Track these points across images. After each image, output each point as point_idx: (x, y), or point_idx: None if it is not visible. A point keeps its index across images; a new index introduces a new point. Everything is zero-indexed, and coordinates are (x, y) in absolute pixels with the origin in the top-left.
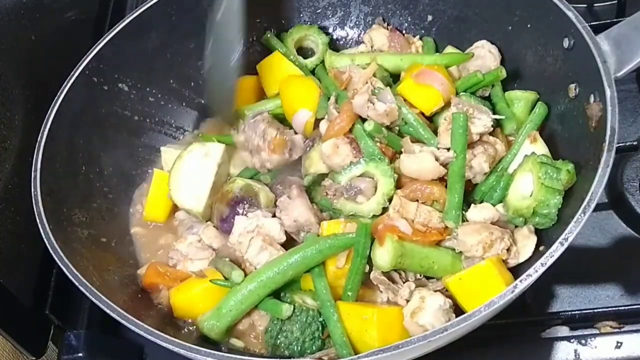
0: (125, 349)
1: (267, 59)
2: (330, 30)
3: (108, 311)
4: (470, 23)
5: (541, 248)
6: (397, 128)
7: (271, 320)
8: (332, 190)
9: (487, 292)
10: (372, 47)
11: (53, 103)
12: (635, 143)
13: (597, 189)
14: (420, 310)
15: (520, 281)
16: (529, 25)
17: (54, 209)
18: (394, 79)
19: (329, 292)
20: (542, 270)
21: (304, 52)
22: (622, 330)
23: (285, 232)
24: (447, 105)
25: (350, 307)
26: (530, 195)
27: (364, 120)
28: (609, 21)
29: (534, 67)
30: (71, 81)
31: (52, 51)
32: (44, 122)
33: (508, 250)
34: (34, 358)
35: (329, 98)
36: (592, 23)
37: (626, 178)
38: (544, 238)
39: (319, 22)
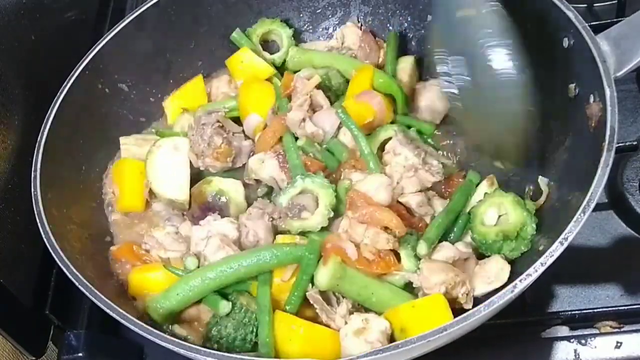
0: (125, 349)
1: (235, 55)
2: (331, 31)
3: (108, 311)
4: None
5: (541, 248)
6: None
7: (213, 314)
8: (277, 214)
9: (431, 323)
10: (342, 43)
11: (53, 103)
12: (635, 143)
13: (596, 189)
14: (365, 330)
15: (520, 281)
16: (528, 25)
17: (54, 209)
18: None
19: (269, 298)
20: (541, 269)
21: (269, 46)
22: (621, 330)
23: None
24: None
25: (284, 316)
26: (496, 225)
27: None
28: (608, 21)
29: (532, 67)
30: (71, 81)
31: (52, 51)
32: (44, 122)
33: (467, 294)
34: (34, 358)
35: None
36: (592, 23)
37: (626, 178)
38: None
39: (318, 22)
